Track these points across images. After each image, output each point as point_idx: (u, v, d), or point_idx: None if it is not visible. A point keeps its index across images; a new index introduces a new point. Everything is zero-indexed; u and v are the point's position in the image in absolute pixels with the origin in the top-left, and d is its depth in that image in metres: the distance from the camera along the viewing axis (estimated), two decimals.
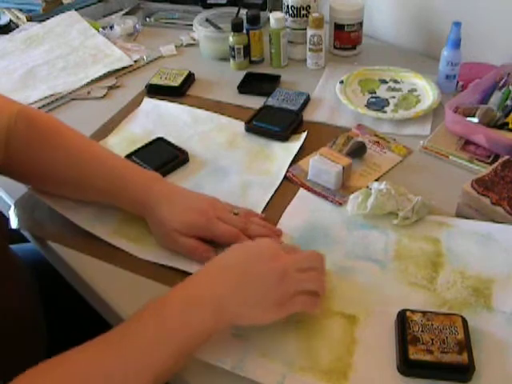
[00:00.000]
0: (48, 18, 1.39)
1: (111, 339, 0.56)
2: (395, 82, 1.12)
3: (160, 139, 0.97)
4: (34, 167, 0.78)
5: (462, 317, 0.62)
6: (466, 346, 0.59)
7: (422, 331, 0.61)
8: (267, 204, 0.84)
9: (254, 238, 0.72)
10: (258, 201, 0.84)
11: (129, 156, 0.93)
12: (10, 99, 0.79)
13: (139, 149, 0.95)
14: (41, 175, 0.79)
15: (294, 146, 0.94)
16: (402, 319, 0.63)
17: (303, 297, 0.63)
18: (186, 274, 0.73)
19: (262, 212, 0.82)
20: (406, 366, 0.59)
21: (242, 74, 1.16)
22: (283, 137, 0.96)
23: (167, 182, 0.81)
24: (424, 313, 0.63)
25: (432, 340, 0.60)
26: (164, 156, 0.93)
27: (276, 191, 0.86)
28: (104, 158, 0.80)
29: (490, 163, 0.88)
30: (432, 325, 0.61)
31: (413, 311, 0.63)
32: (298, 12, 1.18)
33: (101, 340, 0.55)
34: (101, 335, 0.55)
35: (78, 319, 0.89)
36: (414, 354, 0.59)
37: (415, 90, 1.09)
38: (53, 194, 0.82)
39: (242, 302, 0.60)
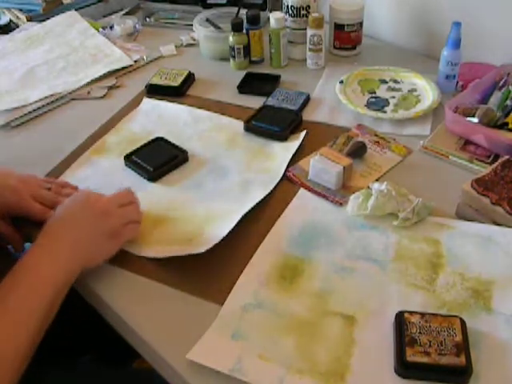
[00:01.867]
0: (48, 18, 1.39)
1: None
2: (395, 82, 1.12)
3: (160, 139, 0.97)
4: None
5: (460, 318, 0.62)
6: (464, 348, 0.59)
7: (420, 333, 0.61)
8: (267, 203, 0.84)
9: None
10: (256, 198, 0.83)
11: (129, 156, 0.93)
12: None
13: (139, 148, 0.95)
14: None
15: (294, 145, 0.94)
16: (400, 320, 0.63)
17: (129, 226, 0.76)
18: (186, 273, 0.73)
19: (262, 211, 0.82)
20: (403, 367, 0.59)
21: (241, 74, 1.16)
22: (282, 136, 0.96)
23: None
24: (422, 314, 0.63)
25: (430, 342, 0.60)
26: (164, 155, 0.93)
27: (276, 191, 0.86)
28: None
29: (490, 163, 0.88)
30: (430, 326, 0.61)
31: (411, 312, 0.63)
32: (298, 12, 1.17)
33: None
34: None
35: (77, 319, 0.89)
36: (412, 355, 0.59)
37: (415, 90, 1.09)
38: None
39: (83, 248, 0.70)
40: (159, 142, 0.97)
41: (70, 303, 0.67)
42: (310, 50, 1.17)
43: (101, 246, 0.73)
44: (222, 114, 1.05)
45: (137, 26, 1.38)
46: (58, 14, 1.40)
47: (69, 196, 0.79)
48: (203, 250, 0.72)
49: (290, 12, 1.18)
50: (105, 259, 0.73)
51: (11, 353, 0.59)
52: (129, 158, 0.93)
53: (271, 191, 0.85)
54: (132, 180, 0.90)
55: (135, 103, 1.10)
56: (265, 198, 0.84)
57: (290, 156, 0.92)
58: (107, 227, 0.73)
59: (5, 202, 0.78)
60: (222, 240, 0.74)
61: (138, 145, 0.96)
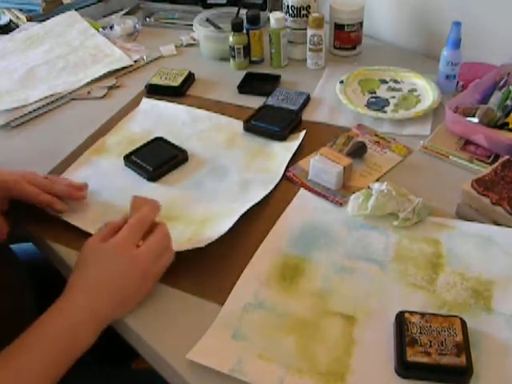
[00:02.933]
0: (48, 18, 1.39)
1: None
2: (395, 81, 1.12)
3: (159, 139, 0.97)
4: None
5: (460, 318, 0.62)
6: (464, 348, 0.59)
7: (421, 333, 0.61)
8: (267, 203, 0.84)
9: (60, 195, 0.82)
10: (256, 198, 0.83)
11: (128, 155, 0.93)
12: None
13: (138, 148, 0.95)
14: None
15: (293, 144, 0.94)
16: (401, 321, 0.63)
17: (163, 257, 0.69)
18: (186, 273, 0.73)
19: (262, 211, 0.82)
20: (404, 367, 0.59)
21: (241, 74, 1.16)
22: (281, 136, 0.96)
23: None
24: (423, 314, 0.63)
25: (430, 342, 0.60)
26: (163, 155, 0.93)
27: (276, 191, 0.86)
28: None
29: (490, 163, 0.88)
30: (430, 326, 0.61)
31: (411, 313, 0.63)
32: (298, 12, 1.17)
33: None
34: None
35: None
36: (412, 355, 0.59)
37: (415, 90, 1.09)
38: None
39: (116, 309, 0.66)
40: (159, 141, 0.97)
41: None
42: (310, 49, 1.17)
43: (133, 306, 0.69)
44: (222, 114, 1.05)
45: (137, 26, 1.38)
46: (58, 14, 1.40)
47: (62, 185, 0.83)
48: (203, 245, 0.72)
49: (290, 12, 1.18)
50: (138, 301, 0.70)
51: None
52: (128, 158, 0.93)
53: (271, 191, 0.85)
54: (132, 180, 0.90)
55: (135, 103, 1.10)
56: (265, 197, 0.84)
57: (289, 156, 0.92)
58: (145, 290, 0.69)
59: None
60: (221, 240, 0.74)
61: (138, 145, 0.96)
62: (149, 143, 0.96)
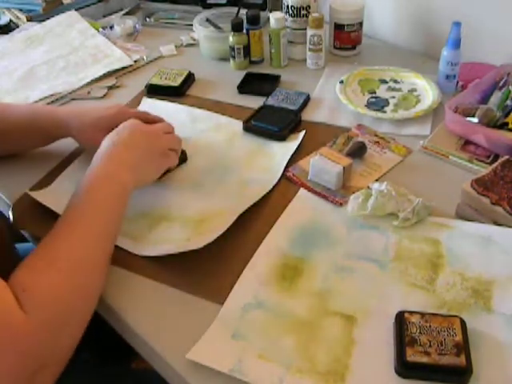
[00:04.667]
0: (48, 18, 1.39)
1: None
2: (395, 81, 1.12)
3: None
4: None
5: (460, 318, 0.62)
6: (464, 348, 0.59)
7: (420, 333, 0.61)
8: (267, 203, 0.84)
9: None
10: (255, 197, 0.83)
11: None
12: None
13: None
14: None
15: (293, 144, 0.94)
16: (400, 320, 0.63)
17: (173, 153, 0.85)
18: (186, 273, 0.73)
19: (262, 211, 0.82)
20: (404, 367, 0.59)
21: (242, 74, 1.16)
22: (281, 136, 0.96)
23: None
24: (422, 314, 0.63)
25: (430, 342, 0.60)
26: None
27: (276, 191, 0.86)
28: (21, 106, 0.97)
29: (490, 163, 0.88)
30: (430, 326, 0.61)
31: (411, 312, 0.63)
32: (298, 12, 1.17)
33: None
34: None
35: None
36: (412, 355, 0.59)
37: (415, 90, 1.09)
38: (52, 196, 0.82)
39: (139, 169, 0.77)
40: None
41: None
42: (310, 49, 1.17)
43: (152, 165, 0.81)
44: (222, 114, 1.05)
45: (137, 26, 1.38)
46: (57, 14, 1.40)
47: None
48: (201, 246, 0.72)
49: (290, 12, 1.18)
50: (153, 179, 0.82)
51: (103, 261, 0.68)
52: None
53: (270, 191, 0.85)
54: None
55: (135, 103, 1.10)
56: (264, 197, 0.84)
57: (289, 156, 0.92)
58: (158, 146, 0.81)
59: (105, 115, 0.89)
60: (221, 240, 0.74)
61: None
62: None
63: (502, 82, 1.01)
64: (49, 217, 0.82)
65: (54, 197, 0.84)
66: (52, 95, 1.12)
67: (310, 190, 0.86)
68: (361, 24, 1.21)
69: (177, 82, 1.13)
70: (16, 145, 0.93)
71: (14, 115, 0.90)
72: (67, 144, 0.98)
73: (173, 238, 0.78)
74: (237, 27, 1.16)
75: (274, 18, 1.15)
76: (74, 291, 0.62)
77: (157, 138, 0.82)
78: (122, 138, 0.78)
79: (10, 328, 0.54)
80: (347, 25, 1.19)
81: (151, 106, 1.08)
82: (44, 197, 0.83)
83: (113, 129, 0.80)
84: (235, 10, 1.22)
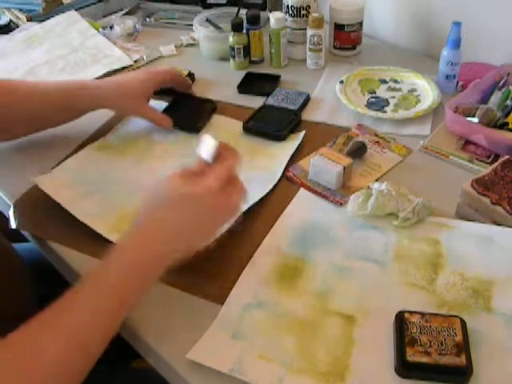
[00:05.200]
0: (48, 18, 1.39)
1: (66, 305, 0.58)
2: (395, 81, 1.12)
3: None
4: None
5: (460, 318, 0.62)
6: (464, 347, 0.59)
7: (420, 333, 0.61)
8: (267, 203, 0.83)
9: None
10: (255, 197, 0.83)
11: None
12: None
13: None
14: None
15: (292, 144, 0.94)
16: (401, 320, 0.63)
17: (233, 204, 0.65)
18: (186, 273, 0.73)
19: (262, 211, 0.82)
20: (404, 367, 0.59)
21: (242, 74, 1.16)
22: (281, 136, 0.96)
23: None
24: (422, 314, 0.63)
25: (430, 342, 0.60)
26: None
27: (276, 191, 0.86)
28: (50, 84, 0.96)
29: (490, 163, 0.88)
30: (430, 326, 0.61)
31: (411, 312, 0.63)
32: (298, 12, 1.17)
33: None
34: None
35: None
36: (412, 355, 0.59)
37: (415, 90, 1.09)
38: (55, 188, 0.83)
39: (181, 248, 0.64)
40: None
41: None
42: (310, 49, 1.17)
43: (200, 232, 0.65)
44: (222, 114, 1.05)
45: (137, 26, 1.37)
46: (57, 14, 1.40)
47: None
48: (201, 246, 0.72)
49: (290, 12, 1.18)
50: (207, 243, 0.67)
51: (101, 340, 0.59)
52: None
53: (270, 191, 0.85)
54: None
55: None
56: (264, 197, 0.84)
57: (288, 156, 0.92)
58: (219, 222, 0.65)
59: (144, 78, 0.96)
60: (221, 240, 0.74)
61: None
62: None
63: (501, 82, 1.01)
64: (49, 217, 0.82)
65: (54, 184, 0.84)
66: None
67: (310, 189, 0.86)
68: (361, 24, 1.21)
69: None
70: (49, 121, 0.94)
71: (44, 93, 0.91)
72: (67, 144, 0.98)
73: None
74: (237, 27, 1.16)
75: (274, 17, 1.15)
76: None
77: (212, 215, 0.64)
78: (156, 208, 0.64)
79: None
80: (347, 25, 1.19)
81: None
82: (49, 188, 0.83)
83: (149, 93, 0.90)
84: (235, 10, 1.22)
